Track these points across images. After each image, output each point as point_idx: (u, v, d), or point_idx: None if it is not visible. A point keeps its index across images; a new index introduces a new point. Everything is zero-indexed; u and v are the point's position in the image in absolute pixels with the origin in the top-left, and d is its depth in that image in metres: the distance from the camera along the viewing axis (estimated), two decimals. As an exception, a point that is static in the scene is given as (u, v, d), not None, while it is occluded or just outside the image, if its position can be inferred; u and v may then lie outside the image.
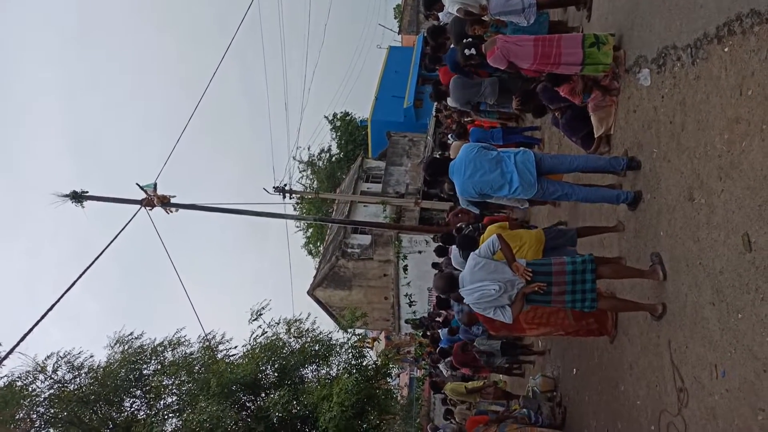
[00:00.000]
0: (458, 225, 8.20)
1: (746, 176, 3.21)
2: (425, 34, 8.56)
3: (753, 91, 3.18)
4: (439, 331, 11.84)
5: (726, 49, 3.47)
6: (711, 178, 3.61)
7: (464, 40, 6.23)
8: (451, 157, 6.82)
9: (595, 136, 5.72)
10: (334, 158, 40.36)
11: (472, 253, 4.60)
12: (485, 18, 6.70)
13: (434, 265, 12.91)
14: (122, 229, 10.82)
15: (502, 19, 6.64)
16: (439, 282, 4.90)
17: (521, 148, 5.02)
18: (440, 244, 10.27)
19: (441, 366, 11.85)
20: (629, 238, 5.03)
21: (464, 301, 4.55)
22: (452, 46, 7.57)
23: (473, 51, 5.96)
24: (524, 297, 4.33)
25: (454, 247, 7.76)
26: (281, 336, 15.38)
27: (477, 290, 4.35)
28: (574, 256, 4.65)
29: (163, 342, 16.87)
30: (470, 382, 9.72)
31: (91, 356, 16.40)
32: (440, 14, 7.70)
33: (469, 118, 10.14)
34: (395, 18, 48.78)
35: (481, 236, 5.49)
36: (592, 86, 5.51)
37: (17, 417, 14.38)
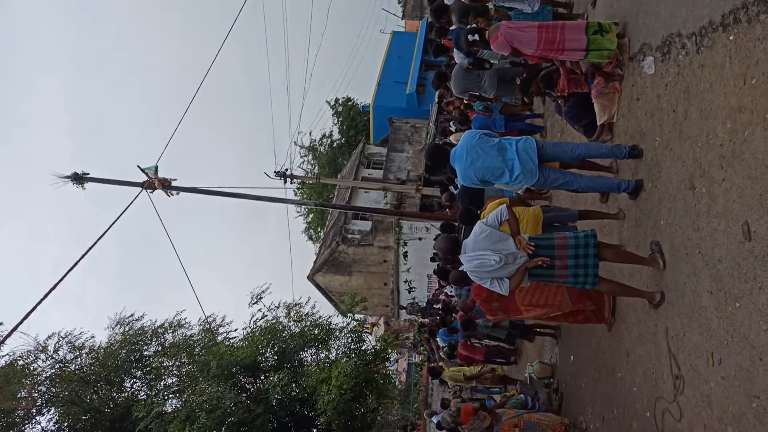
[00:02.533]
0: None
1: (748, 165, 3.22)
2: (429, 16, 8.49)
3: (757, 80, 3.17)
4: (438, 332, 11.88)
5: (731, 38, 3.45)
6: (712, 167, 3.61)
7: (468, 26, 6.19)
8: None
9: (598, 123, 5.70)
10: (335, 144, 40.27)
11: (479, 221, 4.57)
12: (489, 5, 6.67)
13: (433, 258, 12.89)
14: (123, 212, 10.84)
15: (506, 5, 6.61)
16: (442, 243, 4.88)
17: (523, 136, 5.02)
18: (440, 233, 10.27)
19: (441, 354, 11.94)
20: (630, 226, 5.04)
21: (463, 267, 4.48)
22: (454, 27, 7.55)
23: (476, 37, 5.92)
24: (526, 271, 4.29)
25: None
26: (281, 320, 15.48)
27: (477, 258, 4.33)
28: (575, 231, 4.65)
29: (163, 324, 17.01)
30: (468, 367, 9.78)
31: (92, 337, 16.58)
32: None
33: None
34: (399, 3, 48.38)
35: (482, 212, 5.47)
36: (594, 72, 5.49)
37: (19, 396, 14.52)
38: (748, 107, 3.24)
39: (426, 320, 13.68)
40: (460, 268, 4.77)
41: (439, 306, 12.41)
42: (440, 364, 11.43)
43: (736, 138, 3.35)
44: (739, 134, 3.32)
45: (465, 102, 10.03)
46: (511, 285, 4.31)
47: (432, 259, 11.34)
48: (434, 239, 10.89)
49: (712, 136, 3.64)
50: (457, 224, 8.06)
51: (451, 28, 8.02)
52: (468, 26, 6.23)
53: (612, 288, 4.69)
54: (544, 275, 4.38)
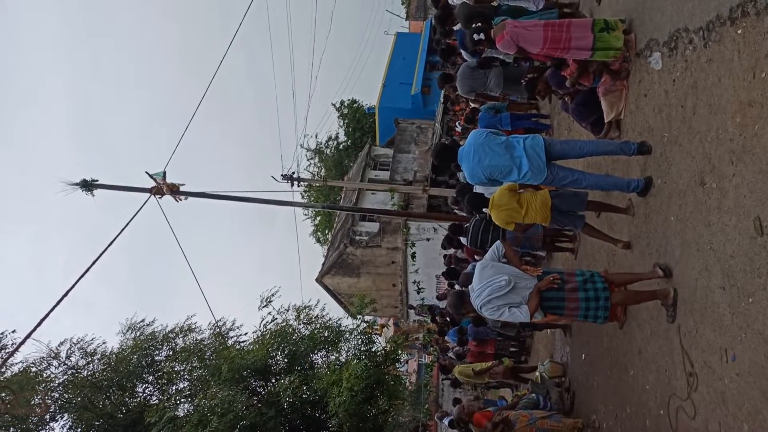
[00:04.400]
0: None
1: (759, 160, 3.19)
2: (434, 21, 8.48)
3: (767, 73, 3.14)
4: (448, 332, 11.88)
5: (739, 31, 3.42)
6: (722, 162, 3.58)
7: (472, 25, 6.18)
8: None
9: (605, 120, 5.68)
10: (341, 146, 40.31)
11: (478, 264, 4.65)
12: (494, 3, 6.66)
13: (445, 256, 12.84)
14: (132, 217, 10.89)
15: (512, 4, 6.60)
16: (449, 300, 4.93)
17: (530, 134, 5.00)
18: (449, 233, 10.26)
19: (450, 353, 11.93)
20: (639, 223, 5.01)
21: (477, 307, 4.47)
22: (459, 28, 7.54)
23: (482, 36, 5.91)
24: (540, 293, 4.30)
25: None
26: (291, 322, 15.49)
27: (487, 286, 4.34)
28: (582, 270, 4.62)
29: (174, 329, 17.08)
30: (476, 363, 9.76)
31: (104, 343, 16.65)
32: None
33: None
34: (402, 4, 48.41)
35: (492, 197, 5.44)
36: (601, 70, 5.46)
37: (33, 402, 14.63)
38: (758, 101, 3.22)
39: (435, 321, 13.62)
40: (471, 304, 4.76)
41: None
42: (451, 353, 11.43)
43: (746, 132, 3.32)
44: (749, 129, 3.29)
45: (471, 102, 10.02)
46: (530, 309, 4.26)
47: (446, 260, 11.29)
48: (442, 241, 10.91)
49: (721, 131, 3.62)
50: (465, 225, 8.06)
51: (456, 29, 8.02)
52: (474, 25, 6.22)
53: (624, 298, 4.65)
54: (556, 308, 4.37)
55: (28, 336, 8.03)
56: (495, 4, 6.59)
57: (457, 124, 13.75)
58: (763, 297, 3.09)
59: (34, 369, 15.40)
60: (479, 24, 5.89)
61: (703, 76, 3.91)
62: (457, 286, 11.46)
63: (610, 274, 4.53)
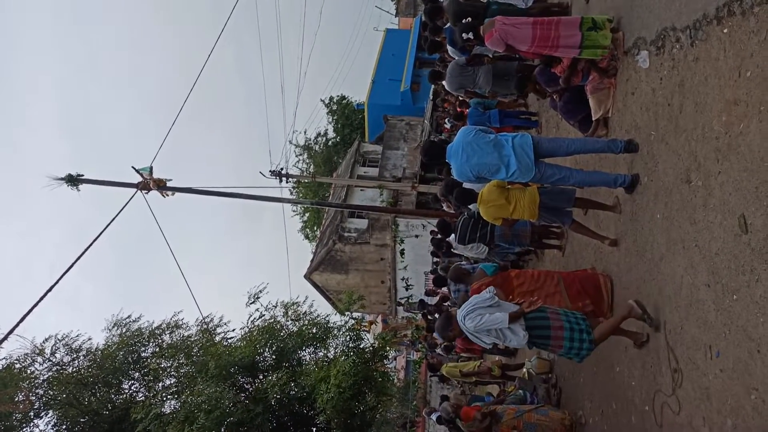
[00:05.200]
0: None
1: (744, 158, 3.22)
2: (423, 16, 8.45)
3: (752, 72, 3.17)
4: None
5: (725, 30, 3.45)
6: (708, 160, 3.61)
7: (462, 21, 6.17)
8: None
9: (593, 118, 5.71)
10: (330, 142, 40.23)
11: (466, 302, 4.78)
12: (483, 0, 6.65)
13: (433, 253, 12.88)
14: (118, 213, 10.80)
15: (501, 1, 6.60)
16: (438, 321, 5.04)
17: (519, 132, 5.02)
18: (435, 230, 10.27)
19: (439, 350, 11.98)
20: (625, 220, 5.04)
21: (460, 320, 4.60)
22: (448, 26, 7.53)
23: (471, 35, 5.91)
24: (523, 314, 4.46)
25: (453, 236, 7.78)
26: (279, 319, 15.43)
27: (473, 301, 4.53)
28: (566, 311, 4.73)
29: (161, 325, 16.92)
30: (464, 363, 9.80)
31: (89, 339, 16.45)
32: None
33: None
34: (392, 0, 48.30)
35: (480, 192, 5.47)
36: (589, 68, 5.48)
37: (16, 399, 14.46)
38: (743, 100, 3.25)
39: (425, 316, 13.65)
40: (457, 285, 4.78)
41: (435, 302, 12.43)
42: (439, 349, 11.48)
43: (732, 131, 3.35)
44: (735, 127, 3.32)
45: (460, 99, 10.04)
46: (510, 317, 4.40)
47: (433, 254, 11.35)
48: (431, 235, 10.92)
49: (707, 129, 3.65)
50: (453, 223, 8.07)
51: (445, 26, 8.01)
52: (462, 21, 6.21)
53: (603, 332, 4.71)
54: (541, 337, 4.47)
55: (11, 332, 7.94)
56: (484, 1, 6.59)
57: (446, 120, 13.75)
58: (747, 294, 3.12)
59: (18, 365, 15.21)
60: (469, 21, 5.89)
61: (689, 75, 3.94)
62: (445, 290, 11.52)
63: (594, 322, 4.67)
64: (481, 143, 4.88)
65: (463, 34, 5.90)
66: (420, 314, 15.57)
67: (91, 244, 9.88)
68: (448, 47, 7.73)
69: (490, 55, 7.41)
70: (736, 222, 3.24)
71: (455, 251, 8.68)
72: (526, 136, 4.85)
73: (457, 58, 7.74)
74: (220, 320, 16.89)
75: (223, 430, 12.77)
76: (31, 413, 14.92)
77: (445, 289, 10.95)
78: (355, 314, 16.23)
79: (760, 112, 3.08)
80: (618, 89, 5.37)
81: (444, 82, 8.36)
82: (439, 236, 9.28)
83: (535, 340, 4.49)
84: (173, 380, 15.88)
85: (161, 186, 11.79)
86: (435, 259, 11.85)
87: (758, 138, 3.09)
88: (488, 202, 5.31)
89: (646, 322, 4.33)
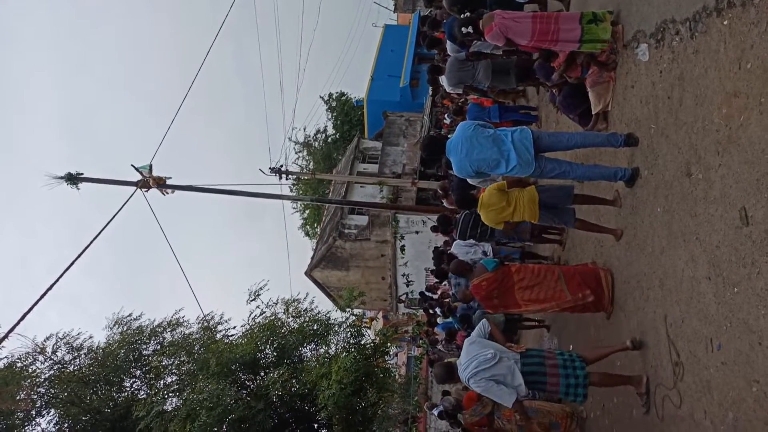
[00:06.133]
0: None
1: (744, 150, 3.21)
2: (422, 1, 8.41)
3: (752, 64, 3.16)
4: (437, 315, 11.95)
5: (725, 22, 3.43)
6: (709, 153, 3.60)
7: (461, 15, 6.15)
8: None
9: (593, 112, 5.69)
10: (330, 139, 40.15)
11: (465, 340, 4.86)
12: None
13: (436, 249, 12.85)
14: (118, 211, 10.80)
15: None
16: (438, 370, 5.09)
17: (519, 126, 5.00)
18: (435, 225, 10.24)
19: (440, 347, 11.99)
20: (626, 214, 5.04)
21: (464, 380, 4.64)
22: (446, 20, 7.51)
23: (470, 29, 5.89)
24: (525, 413, 4.70)
25: (457, 242, 7.78)
26: (280, 316, 15.44)
27: (473, 359, 4.54)
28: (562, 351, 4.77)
29: (162, 323, 16.95)
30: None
31: (90, 337, 16.49)
32: None
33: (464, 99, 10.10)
34: (391, -4, 48.11)
35: (481, 198, 5.46)
36: (589, 62, 5.47)
37: (18, 398, 14.48)
38: (744, 92, 3.23)
39: (426, 310, 13.66)
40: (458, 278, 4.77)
41: (436, 296, 12.43)
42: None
43: (732, 123, 3.34)
44: (735, 119, 3.31)
45: (458, 95, 10.01)
46: (513, 406, 4.47)
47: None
48: (431, 231, 10.90)
49: (707, 122, 3.63)
50: (453, 218, 8.06)
51: (444, 21, 7.99)
52: (461, 16, 6.19)
53: (602, 379, 4.75)
54: (538, 383, 4.52)
55: (11, 330, 7.95)
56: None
57: (446, 116, 13.73)
58: (747, 287, 3.12)
59: (19, 364, 15.22)
60: (467, 14, 5.87)
61: (689, 68, 3.92)
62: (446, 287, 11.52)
63: (586, 350, 4.76)
64: (480, 138, 4.86)
65: (462, 29, 5.88)
66: (421, 308, 15.57)
67: (91, 243, 9.89)
68: (447, 42, 7.71)
69: (489, 51, 7.40)
70: (737, 214, 3.23)
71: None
72: (526, 131, 4.84)
73: (454, 53, 7.73)
74: (221, 318, 16.91)
75: (224, 427, 12.81)
76: (33, 412, 14.95)
77: (445, 284, 10.96)
78: (355, 310, 16.24)
79: (761, 104, 3.06)
80: (618, 83, 5.36)
81: (443, 78, 8.34)
82: (440, 249, 9.17)
83: (532, 384, 4.54)
84: (174, 378, 15.90)
85: (161, 184, 11.79)
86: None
87: (759, 130, 3.08)
88: (489, 206, 5.32)
89: (641, 400, 4.41)
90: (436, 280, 12.15)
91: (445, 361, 5.64)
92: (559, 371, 4.50)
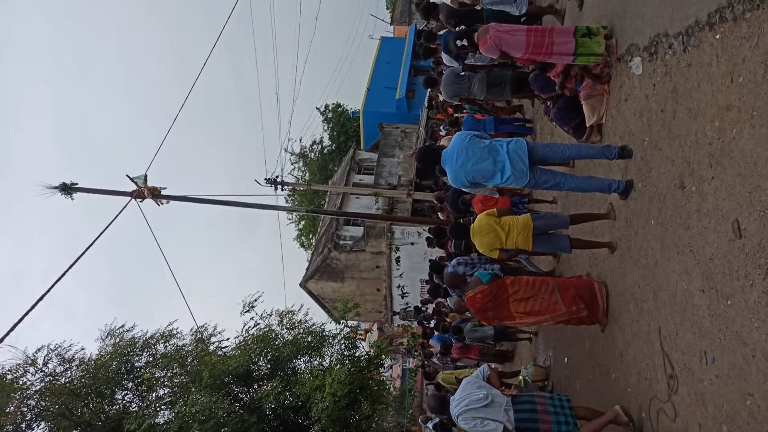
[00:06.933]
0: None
1: (737, 163, 3.22)
2: (418, 13, 8.45)
3: (744, 78, 3.18)
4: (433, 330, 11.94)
5: (717, 36, 3.46)
6: (702, 166, 3.62)
7: (456, 29, 6.21)
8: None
9: (587, 125, 5.72)
10: (326, 150, 40.22)
11: (465, 379, 4.94)
12: (477, 7, 6.69)
13: (432, 262, 12.84)
14: (112, 221, 10.73)
15: (495, 8, 6.64)
16: (431, 401, 5.16)
17: (514, 137, 5.02)
18: (429, 236, 10.23)
19: (434, 359, 11.94)
20: (620, 226, 5.04)
21: (454, 416, 4.68)
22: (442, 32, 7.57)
23: (465, 42, 5.94)
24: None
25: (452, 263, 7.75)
26: (274, 327, 15.36)
27: (465, 398, 4.59)
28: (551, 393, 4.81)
29: (155, 334, 16.81)
30: (460, 371, 9.77)
31: (82, 349, 16.33)
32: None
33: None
34: (387, 8, 48.59)
35: (472, 226, 5.48)
36: (583, 75, 5.50)
37: (7, 410, 14.31)
38: (736, 105, 3.25)
39: (421, 323, 13.62)
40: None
41: (431, 309, 12.42)
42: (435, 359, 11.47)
43: (725, 136, 3.36)
44: (728, 132, 3.33)
45: (455, 104, 10.07)
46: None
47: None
48: (426, 242, 10.87)
49: (700, 135, 3.65)
50: (447, 229, 8.06)
51: (440, 33, 8.05)
52: (456, 29, 6.25)
53: (585, 412, 4.78)
54: (530, 430, 4.51)
55: (1, 340, 7.84)
56: (478, 8, 6.62)
57: (441, 127, 13.78)
58: (741, 299, 3.11)
59: (9, 376, 15.05)
60: (463, 27, 5.92)
61: (682, 81, 3.95)
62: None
63: (579, 408, 4.77)
64: (475, 149, 4.87)
65: (458, 41, 5.93)
66: (416, 321, 15.52)
67: (84, 252, 9.82)
68: (443, 54, 7.76)
69: (485, 63, 7.45)
70: (730, 227, 3.23)
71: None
72: (521, 142, 4.85)
73: (450, 65, 7.77)
74: (215, 329, 16.80)
75: (217, 440, 12.67)
76: (23, 425, 14.75)
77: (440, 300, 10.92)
78: (350, 322, 16.17)
79: (753, 117, 3.08)
80: (611, 95, 5.39)
81: (440, 89, 8.40)
82: (435, 280, 8.97)
83: (524, 429, 4.53)
84: (167, 390, 15.75)
85: (156, 194, 11.72)
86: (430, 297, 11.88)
87: (751, 143, 3.09)
88: (481, 233, 5.32)
89: (630, 429, 4.41)
90: (430, 298, 12.11)
91: (441, 394, 5.67)
92: (551, 417, 4.53)
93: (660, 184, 4.22)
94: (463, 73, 7.62)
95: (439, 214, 10.71)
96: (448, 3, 6.63)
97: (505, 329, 8.72)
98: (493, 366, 9.66)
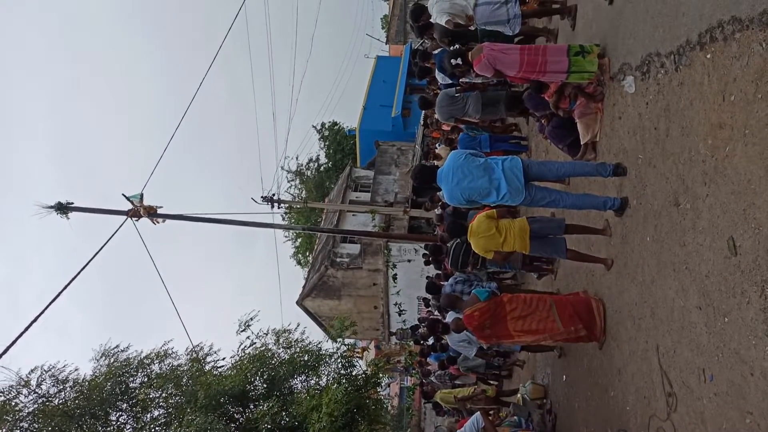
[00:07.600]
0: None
1: (730, 181, 3.24)
2: (409, 17, 8.46)
3: (735, 96, 3.22)
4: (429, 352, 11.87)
5: (708, 56, 3.51)
6: (696, 183, 3.64)
7: (450, 48, 6.27)
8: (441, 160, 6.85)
9: (582, 142, 5.76)
10: (322, 168, 40.35)
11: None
12: (471, 27, 6.77)
13: (429, 279, 12.82)
14: (108, 240, 10.71)
15: (488, 28, 6.71)
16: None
17: (509, 155, 5.05)
18: (427, 253, 10.21)
19: (432, 378, 11.85)
20: (616, 243, 5.05)
21: None
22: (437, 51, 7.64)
23: (459, 61, 5.99)
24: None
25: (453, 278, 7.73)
26: (270, 347, 15.23)
27: None
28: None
29: (150, 354, 16.62)
30: (459, 389, 9.69)
31: (76, 370, 16.11)
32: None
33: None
34: (383, 28, 49.09)
35: (471, 225, 5.46)
36: (577, 93, 5.56)
37: (-1, 433, 14.09)
38: (728, 123, 3.29)
39: (418, 342, 13.53)
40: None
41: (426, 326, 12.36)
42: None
43: (718, 154, 3.39)
44: (721, 150, 3.36)
45: (452, 126, 10.13)
46: None
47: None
48: (423, 258, 10.85)
49: (694, 153, 3.68)
50: (444, 247, 8.05)
51: (434, 52, 8.12)
52: (450, 48, 6.31)
53: None
54: None
55: (-4, 363, 7.74)
56: (472, 28, 6.69)
57: (437, 146, 13.86)
58: (738, 316, 3.11)
59: (1, 398, 14.84)
60: (457, 46, 5.97)
61: (675, 99, 3.99)
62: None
63: None
64: (471, 167, 4.90)
65: (452, 60, 5.98)
66: (413, 341, 15.43)
67: (79, 272, 9.77)
68: (437, 73, 7.82)
69: (479, 81, 7.50)
70: (725, 244, 3.24)
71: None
72: (516, 159, 4.88)
73: (444, 82, 7.82)
74: (210, 349, 16.64)
75: (212, 461, 12.48)
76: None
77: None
78: (347, 340, 16.06)
79: (745, 135, 3.11)
80: (605, 114, 5.44)
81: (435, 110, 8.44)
82: (433, 317, 8.89)
83: None
84: (162, 411, 15.55)
85: (152, 213, 11.73)
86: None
87: (744, 161, 3.12)
88: (478, 234, 5.32)
89: None
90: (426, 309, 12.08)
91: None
92: None
93: (655, 202, 4.24)
94: (457, 95, 7.67)
95: (438, 230, 10.70)
96: (443, 23, 6.69)
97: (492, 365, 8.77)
98: (487, 399, 9.59)
